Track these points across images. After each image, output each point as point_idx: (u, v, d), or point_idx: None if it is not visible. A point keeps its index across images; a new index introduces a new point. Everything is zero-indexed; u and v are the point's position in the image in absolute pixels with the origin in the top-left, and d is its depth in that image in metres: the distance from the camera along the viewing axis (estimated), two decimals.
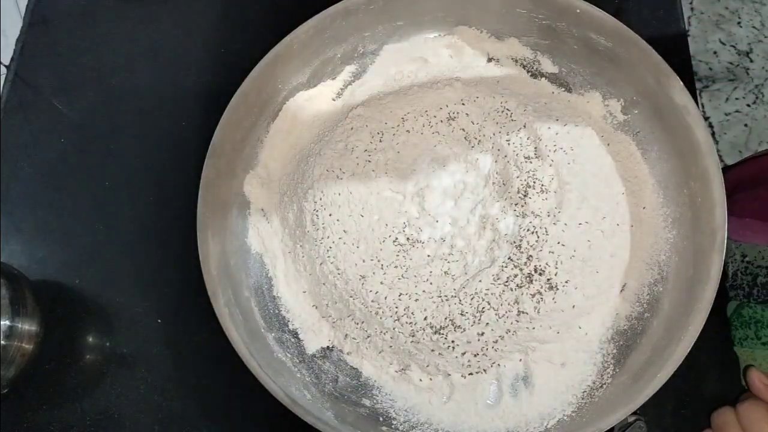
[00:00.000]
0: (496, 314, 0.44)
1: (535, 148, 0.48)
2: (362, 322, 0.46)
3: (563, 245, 0.45)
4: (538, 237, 0.45)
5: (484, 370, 0.45)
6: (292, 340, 0.47)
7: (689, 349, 0.41)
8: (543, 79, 0.52)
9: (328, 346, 0.47)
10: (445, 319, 0.44)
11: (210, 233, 0.46)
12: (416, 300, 0.45)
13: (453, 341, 0.44)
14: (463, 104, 0.50)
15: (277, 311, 0.48)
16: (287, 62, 0.50)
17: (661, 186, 0.48)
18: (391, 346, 0.45)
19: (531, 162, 0.47)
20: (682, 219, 0.47)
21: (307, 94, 0.52)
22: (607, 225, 0.46)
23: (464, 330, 0.44)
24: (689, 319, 0.42)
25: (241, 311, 0.46)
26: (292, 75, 0.51)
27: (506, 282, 0.44)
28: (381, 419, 0.44)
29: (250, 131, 0.50)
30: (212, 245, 0.46)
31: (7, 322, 0.46)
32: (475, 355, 0.44)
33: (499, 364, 0.45)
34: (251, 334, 0.45)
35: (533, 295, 0.44)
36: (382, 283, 0.46)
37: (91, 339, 0.51)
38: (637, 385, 0.42)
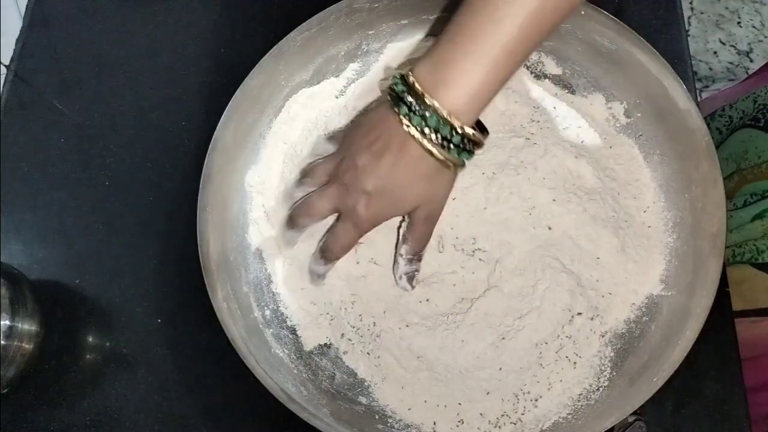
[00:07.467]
0: (495, 315, 0.44)
1: (536, 147, 0.48)
2: (360, 321, 0.46)
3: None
4: None
5: None
6: (290, 336, 0.47)
7: (686, 354, 0.41)
8: (546, 80, 0.52)
9: (325, 344, 0.47)
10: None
11: (210, 229, 0.45)
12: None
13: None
14: None
15: (275, 307, 0.48)
16: (291, 59, 0.49)
17: (663, 190, 0.48)
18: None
19: (532, 161, 0.47)
20: (683, 223, 0.47)
21: (310, 92, 0.52)
22: (608, 227, 0.46)
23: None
24: (687, 323, 0.42)
25: (240, 306, 0.46)
26: (295, 72, 0.51)
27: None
28: (377, 417, 0.44)
29: (253, 127, 0.50)
30: (212, 240, 0.45)
31: (7, 322, 0.46)
32: None
33: None
34: (249, 330, 0.45)
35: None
36: (381, 282, 0.46)
37: (91, 339, 0.50)
38: (633, 389, 0.42)
